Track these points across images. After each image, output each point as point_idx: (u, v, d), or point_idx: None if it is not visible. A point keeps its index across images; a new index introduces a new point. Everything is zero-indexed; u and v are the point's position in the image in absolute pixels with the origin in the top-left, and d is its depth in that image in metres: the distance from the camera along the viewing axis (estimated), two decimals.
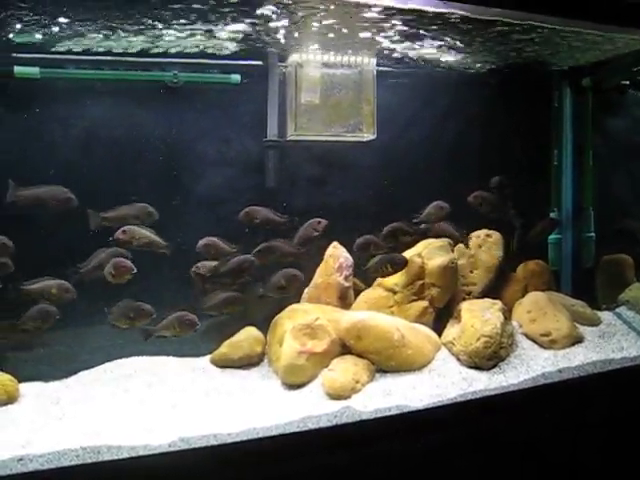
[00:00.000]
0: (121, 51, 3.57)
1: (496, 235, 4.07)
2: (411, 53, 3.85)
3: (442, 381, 3.26)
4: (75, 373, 3.50)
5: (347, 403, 2.99)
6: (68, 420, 2.90)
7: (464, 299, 3.84)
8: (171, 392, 3.24)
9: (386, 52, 3.80)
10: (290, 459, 2.70)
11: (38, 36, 3.29)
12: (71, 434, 2.69)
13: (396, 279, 3.74)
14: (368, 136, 3.91)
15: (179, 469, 2.58)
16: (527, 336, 3.72)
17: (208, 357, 3.64)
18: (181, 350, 3.68)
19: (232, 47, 3.57)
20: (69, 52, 3.51)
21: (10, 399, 3.13)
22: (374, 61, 3.87)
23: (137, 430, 2.74)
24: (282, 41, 3.53)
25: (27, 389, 3.29)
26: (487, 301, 3.66)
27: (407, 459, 2.97)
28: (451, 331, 3.60)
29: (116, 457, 2.51)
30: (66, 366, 3.48)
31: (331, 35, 3.47)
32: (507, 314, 3.62)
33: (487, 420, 3.15)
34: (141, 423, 2.83)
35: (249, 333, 3.65)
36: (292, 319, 3.51)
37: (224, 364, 3.56)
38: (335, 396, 3.06)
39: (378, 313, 3.49)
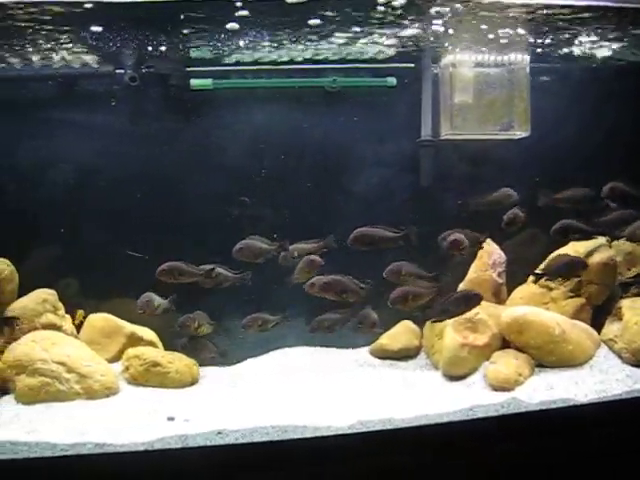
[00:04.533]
0: (285, 60, 3.82)
1: None
2: (565, 49, 3.83)
3: (605, 378, 3.24)
4: (240, 361, 3.80)
5: (512, 395, 3.05)
6: (249, 401, 3.17)
7: (621, 297, 3.75)
8: (337, 380, 3.44)
9: (540, 49, 3.80)
10: (462, 445, 2.77)
11: (211, 51, 3.61)
12: (256, 413, 2.93)
13: None
14: (521, 134, 3.90)
15: (358, 449, 2.73)
16: None
17: (366, 349, 3.81)
18: (333, 341, 3.87)
19: (391, 52, 3.71)
20: (238, 63, 3.81)
21: (194, 381, 3.48)
22: (527, 58, 3.87)
23: (314, 413, 2.92)
24: (441, 43, 3.64)
25: (203, 373, 3.60)
26: None
27: (573, 453, 2.96)
28: (611, 328, 3.55)
29: (301, 436, 2.70)
30: (232, 353, 3.76)
31: (486, 35, 3.53)
32: None
33: None
34: (315, 407, 3.03)
35: (406, 326, 3.79)
36: None
37: (383, 355, 3.73)
38: (499, 388, 3.14)
39: (538, 308, 3.50)
